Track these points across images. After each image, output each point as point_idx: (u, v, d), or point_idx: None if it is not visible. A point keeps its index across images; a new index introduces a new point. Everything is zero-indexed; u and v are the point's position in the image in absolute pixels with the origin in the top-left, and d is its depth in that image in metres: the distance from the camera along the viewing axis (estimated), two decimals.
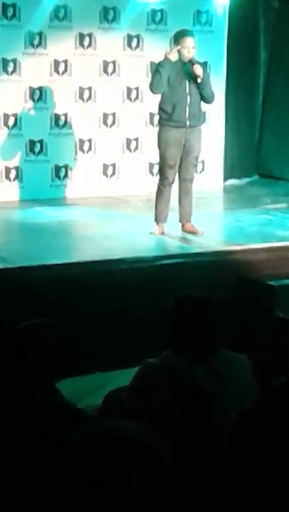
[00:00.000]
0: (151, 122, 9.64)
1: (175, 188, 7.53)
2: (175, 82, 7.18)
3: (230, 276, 6.51)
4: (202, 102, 7.39)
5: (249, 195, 9.80)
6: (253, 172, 11.03)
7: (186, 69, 7.16)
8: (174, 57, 7.12)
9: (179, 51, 7.18)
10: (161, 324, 3.52)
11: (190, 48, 7.14)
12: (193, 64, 7.11)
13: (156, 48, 9.59)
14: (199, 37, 9.78)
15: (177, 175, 7.41)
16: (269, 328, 5.98)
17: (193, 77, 7.14)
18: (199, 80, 7.13)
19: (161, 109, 7.36)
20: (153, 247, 6.95)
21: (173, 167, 7.33)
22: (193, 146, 7.30)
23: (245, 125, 10.93)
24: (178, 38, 7.31)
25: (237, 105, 10.53)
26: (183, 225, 7.46)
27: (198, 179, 7.70)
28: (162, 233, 7.42)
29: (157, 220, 7.45)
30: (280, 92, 10.89)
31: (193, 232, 7.37)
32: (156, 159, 9.50)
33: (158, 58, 9.34)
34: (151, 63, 9.55)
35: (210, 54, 9.66)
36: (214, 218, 7.67)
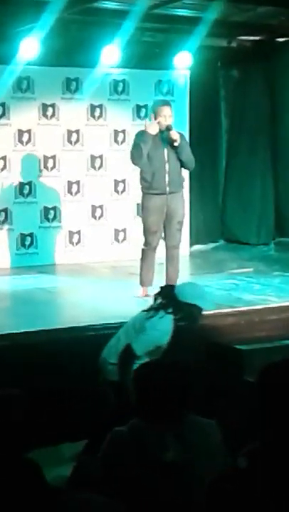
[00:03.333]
0: (116, 190, 9.73)
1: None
2: (153, 150, 7.30)
3: (198, 341, 6.47)
4: (182, 169, 7.52)
5: (215, 260, 9.84)
6: (218, 237, 11.12)
7: (163, 136, 7.29)
8: (154, 131, 7.24)
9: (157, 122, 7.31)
10: (129, 391, 3.46)
11: (167, 117, 7.30)
12: (169, 130, 7.23)
13: (119, 117, 9.76)
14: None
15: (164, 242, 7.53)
16: (238, 393, 5.92)
17: (170, 143, 7.26)
18: (176, 144, 7.27)
19: (141, 177, 7.47)
20: (120, 313, 6.90)
21: (155, 233, 7.44)
22: (175, 211, 7.41)
23: (210, 191, 11.08)
24: (155, 107, 7.47)
25: (201, 173, 10.68)
26: None
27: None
28: (146, 295, 7.44)
29: (141, 283, 7.55)
30: (241, 160, 11.08)
31: None
32: (121, 226, 9.58)
33: (121, 127, 9.53)
34: (115, 132, 9.70)
35: (172, 123, 9.81)
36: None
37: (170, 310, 5.17)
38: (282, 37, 10.46)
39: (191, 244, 10.45)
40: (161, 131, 7.30)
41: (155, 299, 5.28)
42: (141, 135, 7.36)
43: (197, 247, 10.63)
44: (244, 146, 11.05)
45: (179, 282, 7.55)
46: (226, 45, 10.59)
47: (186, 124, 10.15)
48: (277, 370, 2.57)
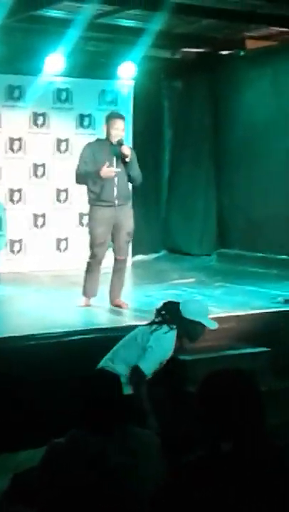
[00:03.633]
0: (58, 199, 9.68)
1: None
2: (103, 163, 7.18)
3: None
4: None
5: (157, 271, 9.85)
6: (160, 247, 11.14)
7: (114, 150, 7.22)
8: (106, 175, 7.14)
9: (108, 133, 7.25)
10: (69, 401, 3.43)
11: (119, 130, 7.24)
12: (121, 145, 7.19)
13: (63, 126, 9.72)
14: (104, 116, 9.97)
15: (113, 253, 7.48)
16: (180, 403, 5.92)
17: (121, 158, 7.21)
18: (127, 160, 7.21)
19: (89, 189, 7.34)
20: (64, 322, 6.85)
21: (102, 245, 7.35)
22: (123, 222, 7.35)
23: (152, 202, 11.10)
24: (109, 119, 7.39)
25: (144, 183, 10.63)
26: (111, 300, 7.50)
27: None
28: (88, 305, 7.45)
29: (84, 294, 7.49)
30: (185, 170, 11.13)
31: (120, 306, 7.44)
32: (63, 235, 9.51)
33: (64, 136, 9.47)
34: (58, 140, 9.66)
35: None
36: (124, 294, 7.64)
37: (174, 326, 5.23)
38: (226, 50, 10.56)
39: (133, 254, 10.44)
40: (112, 145, 7.25)
41: (157, 315, 5.30)
42: (90, 173, 7.17)
43: (139, 257, 10.62)
44: (187, 157, 11.11)
45: (123, 293, 7.56)
46: (169, 56, 10.65)
47: (130, 133, 10.15)
48: (217, 380, 2.57)
